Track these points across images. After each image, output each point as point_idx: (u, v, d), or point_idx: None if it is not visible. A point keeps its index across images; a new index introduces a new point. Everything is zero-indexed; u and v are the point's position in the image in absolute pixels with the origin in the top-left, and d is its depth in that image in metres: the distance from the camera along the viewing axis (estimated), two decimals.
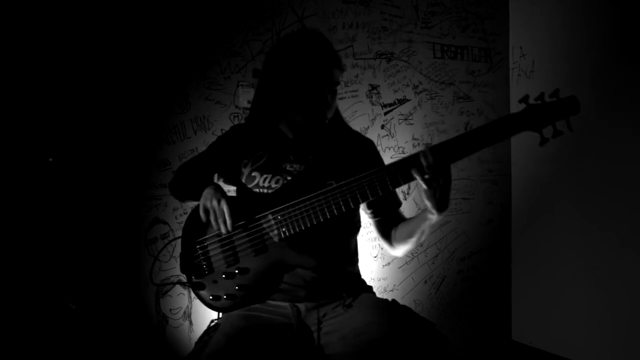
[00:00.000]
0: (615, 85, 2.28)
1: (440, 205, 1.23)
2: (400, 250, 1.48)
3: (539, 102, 1.21)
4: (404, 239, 1.44)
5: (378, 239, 1.57)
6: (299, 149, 1.46)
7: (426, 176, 1.20)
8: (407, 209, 2.49)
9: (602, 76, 2.33)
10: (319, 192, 1.28)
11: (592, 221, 2.37)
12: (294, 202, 1.30)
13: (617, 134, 2.26)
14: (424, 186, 1.21)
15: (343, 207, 1.27)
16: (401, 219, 1.50)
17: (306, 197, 1.29)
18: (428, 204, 1.24)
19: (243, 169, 1.47)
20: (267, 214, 1.33)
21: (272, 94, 1.42)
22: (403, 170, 1.24)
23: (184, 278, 1.46)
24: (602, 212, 2.32)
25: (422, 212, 1.32)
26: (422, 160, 1.20)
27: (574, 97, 1.19)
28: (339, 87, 1.44)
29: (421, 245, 2.58)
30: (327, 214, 1.28)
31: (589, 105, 2.37)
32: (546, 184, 2.60)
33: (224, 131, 2.13)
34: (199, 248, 1.40)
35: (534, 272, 2.68)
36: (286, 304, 1.37)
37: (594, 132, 2.35)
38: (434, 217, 1.28)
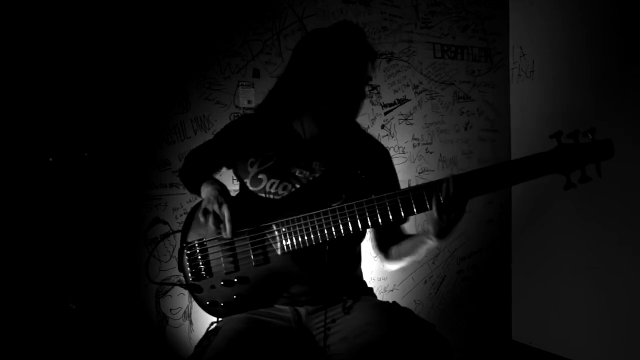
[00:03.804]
0: (615, 85, 2.28)
1: (442, 234, 1.20)
2: (394, 267, 1.45)
3: (571, 140, 1.14)
4: (399, 257, 1.41)
5: (373, 250, 1.52)
6: (312, 153, 1.39)
7: (442, 206, 1.15)
8: None
9: (602, 76, 2.33)
10: (327, 209, 1.24)
11: (592, 221, 2.37)
12: (301, 216, 1.26)
13: (617, 135, 2.25)
14: (435, 215, 1.16)
15: (351, 229, 1.23)
16: (401, 235, 1.45)
17: (314, 212, 1.25)
18: (430, 229, 1.20)
19: (250, 168, 1.40)
20: (272, 224, 1.30)
21: (300, 83, 1.35)
22: (418, 199, 1.19)
23: (184, 278, 1.45)
24: (602, 213, 2.32)
25: (421, 235, 1.29)
26: (444, 189, 1.15)
27: (609, 141, 1.11)
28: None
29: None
30: (334, 233, 1.24)
31: (588, 105, 2.39)
32: (546, 184, 2.59)
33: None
34: (197, 247, 1.37)
35: (534, 272, 2.68)
36: (287, 308, 1.36)
37: None
38: (433, 243, 1.25)
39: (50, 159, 1.86)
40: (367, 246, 2.44)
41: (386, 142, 2.48)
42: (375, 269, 2.46)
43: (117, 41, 1.96)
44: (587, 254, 2.39)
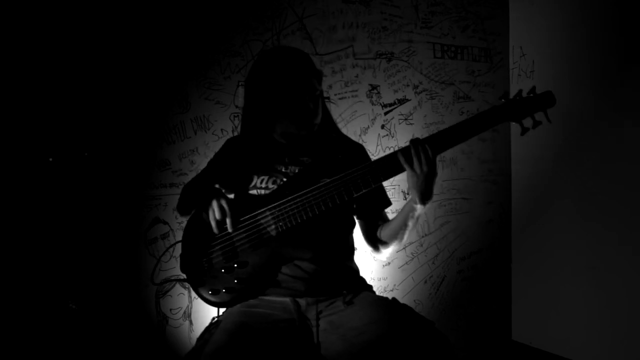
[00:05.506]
0: (615, 85, 2.28)
1: (425, 195, 1.31)
2: (385, 252, 1.52)
3: (517, 97, 1.34)
4: (389, 238, 1.48)
5: (363, 242, 1.59)
6: (293, 152, 1.51)
7: (414, 165, 1.29)
8: None
9: (602, 76, 2.33)
10: (313, 187, 1.35)
11: (592, 221, 2.37)
12: (290, 197, 1.36)
13: (617, 134, 2.26)
14: (410, 172, 1.30)
15: (337, 200, 1.34)
16: (386, 219, 1.55)
17: (301, 192, 1.35)
18: (413, 192, 1.32)
19: (240, 173, 1.51)
20: (264, 210, 1.38)
21: (257, 109, 1.48)
22: (393, 161, 1.32)
23: (183, 277, 1.47)
24: (602, 212, 2.32)
25: (406, 205, 1.39)
26: (412, 149, 1.29)
27: (549, 92, 1.33)
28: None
29: (421, 245, 2.58)
30: (322, 206, 1.34)
31: (589, 105, 2.39)
32: (546, 184, 2.59)
33: (223, 131, 2.14)
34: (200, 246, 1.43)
35: (534, 272, 2.68)
36: (287, 299, 1.38)
37: (594, 132, 2.35)
38: (417, 207, 1.34)
39: (50, 159, 1.87)
40: (367, 246, 2.44)
41: (386, 142, 2.48)
42: (375, 269, 2.46)
43: (117, 41, 1.97)
44: (587, 254, 2.39)
